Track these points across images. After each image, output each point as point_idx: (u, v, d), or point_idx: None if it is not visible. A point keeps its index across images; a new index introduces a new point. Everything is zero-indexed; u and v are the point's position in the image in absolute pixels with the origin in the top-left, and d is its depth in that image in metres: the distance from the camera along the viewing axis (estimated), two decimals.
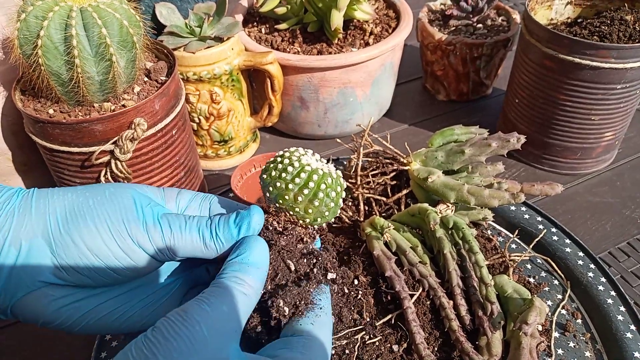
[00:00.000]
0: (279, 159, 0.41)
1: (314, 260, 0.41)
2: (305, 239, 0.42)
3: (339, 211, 0.44)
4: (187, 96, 0.76)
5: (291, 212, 0.41)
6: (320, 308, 0.39)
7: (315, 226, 0.43)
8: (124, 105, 0.59)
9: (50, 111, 0.59)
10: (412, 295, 0.56)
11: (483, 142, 0.64)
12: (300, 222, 0.42)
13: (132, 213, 0.37)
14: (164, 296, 0.42)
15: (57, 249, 0.35)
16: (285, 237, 0.40)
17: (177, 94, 0.63)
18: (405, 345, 0.54)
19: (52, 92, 0.57)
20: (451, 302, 0.55)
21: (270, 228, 0.41)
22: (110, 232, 0.36)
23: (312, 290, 0.39)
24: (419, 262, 0.58)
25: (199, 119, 0.78)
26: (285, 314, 0.37)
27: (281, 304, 0.37)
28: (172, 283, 0.44)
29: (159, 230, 0.37)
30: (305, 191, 0.40)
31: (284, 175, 0.40)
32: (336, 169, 0.43)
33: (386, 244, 0.61)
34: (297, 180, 0.40)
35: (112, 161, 0.59)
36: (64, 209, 0.36)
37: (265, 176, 0.42)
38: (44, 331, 0.63)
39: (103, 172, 0.60)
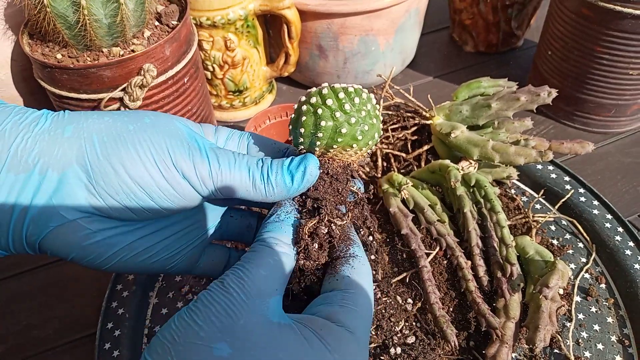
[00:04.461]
0: (321, 95, 0.36)
1: (364, 213, 0.40)
2: (354, 174, 0.40)
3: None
4: (200, 43, 0.72)
5: (341, 147, 0.37)
6: (356, 258, 0.37)
7: (366, 152, 0.40)
8: (133, 51, 0.57)
9: (59, 56, 0.57)
10: (428, 254, 0.54)
11: (511, 95, 0.60)
12: (350, 153, 0.38)
13: (177, 142, 0.34)
14: (196, 240, 0.41)
15: (94, 176, 0.32)
16: (334, 185, 0.38)
17: (188, 39, 0.61)
18: (419, 304, 0.52)
19: (60, 36, 0.55)
20: (469, 262, 0.53)
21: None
22: (154, 160, 0.33)
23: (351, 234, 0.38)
24: (437, 220, 0.56)
25: (213, 67, 0.75)
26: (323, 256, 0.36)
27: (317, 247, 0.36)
28: (205, 226, 0.42)
29: (207, 164, 0.34)
30: (363, 113, 0.36)
31: (346, 106, 0.36)
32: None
33: (403, 202, 0.59)
34: (356, 100, 0.36)
35: (122, 109, 0.57)
36: (102, 133, 0.33)
37: (306, 117, 0.36)
38: (56, 279, 0.63)
39: None
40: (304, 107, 0.36)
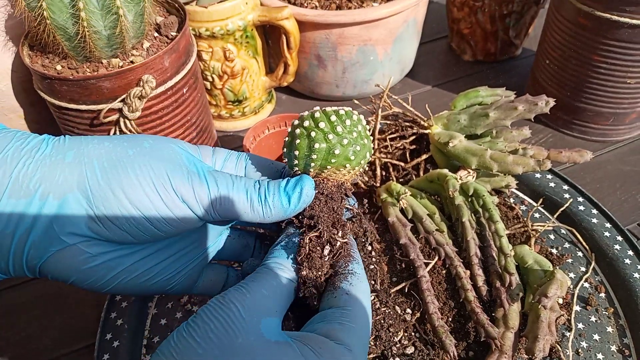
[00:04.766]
0: (313, 118, 0.38)
1: (362, 227, 0.41)
2: (348, 193, 0.41)
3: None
4: (199, 53, 0.73)
5: (334, 168, 0.38)
6: (354, 275, 0.37)
7: (358, 171, 0.41)
8: (132, 62, 0.57)
9: (58, 67, 0.57)
10: (427, 264, 0.54)
11: (509, 105, 0.60)
12: (344, 173, 0.39)
13: (176, 167, 0.35)
14: (195, 260, 0.42)
15: (95, 200, 0.33)
16: (329, 204, 0.39)
17: (187, 50, 0.61)
18: (418, 314, 0.52)
19: (60, 47, 0.55)
20: (468, 272, 0.53)
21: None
22: (154, 184, 0.34)
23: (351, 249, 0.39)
24: (436, 229, 0.56)
25: (212, 78, 0.76)
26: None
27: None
28: (203, 246, 0.43)
29: (206, 187, 0.35)
30: (354, 134, 0.38)
31: (338, 129, 0.37)
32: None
33: (402, 211, 0.59)
34: (347, 122, 0.38)
35: (121, 120, 0.57)
36: (102, 158, 0.33)
37: (300, 140, 0.38)
38: (55, 290, 0.63)
39: (112, 131, 0.58)
40: (298, 131, 0.38)
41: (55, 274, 0.34)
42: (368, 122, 0.69)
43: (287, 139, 0.40)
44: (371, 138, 0.41)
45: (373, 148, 0.67)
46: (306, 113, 0.39)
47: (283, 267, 0.36)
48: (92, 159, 0.33)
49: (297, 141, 0.38)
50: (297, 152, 0.38)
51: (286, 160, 0.40)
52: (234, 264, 0.54)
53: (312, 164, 0.38)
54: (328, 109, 0.39)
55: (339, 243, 0.38)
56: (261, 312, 0.32)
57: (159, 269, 0.39)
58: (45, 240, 0.33)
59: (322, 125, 0.37)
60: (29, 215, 0.32)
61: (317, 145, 0.37)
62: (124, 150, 0.34)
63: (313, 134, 0.37)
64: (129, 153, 0.34)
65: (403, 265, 0.56)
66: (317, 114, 0.38)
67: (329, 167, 0.38)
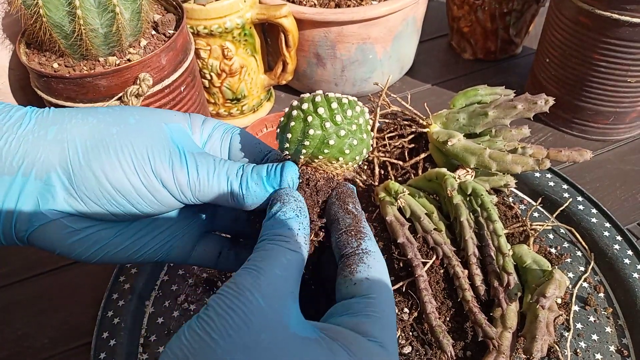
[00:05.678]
0: (313, 102, 0.35)
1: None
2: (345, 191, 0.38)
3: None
4: (197, 51, 0.73)
5: (326, 159, 0.36)
6: (369, 254, 0.34)
7: (352, 167, 0.39)
8: (129, 60, 0.57)
9: (55, 65, 0.57)
10: (424, 263, 0.54)
11: (508, 103, 0.60)
12: (336, 166, 0.37)
13: (159, 147, 0.34)
14: (182, 231, 0.41)
15: (76, 180, 0.33)
16: (314, 197, 0.37)
17: (185, 48, 0.61)
18: (415, 314, 0.52)
19: (56, 45, 0.55)
20: (466, 271, 0.53)
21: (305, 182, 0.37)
22: (134, 167, 0.33)
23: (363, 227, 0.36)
24: (434, 229, 0.56)
25: (211, 76, 0.75)
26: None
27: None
28: (191, 218, 0.42)
29: (185, 173, 0.34)
30: (354, 126, 0.35)
31: (337, 118, 0.34)
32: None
33: (400, 210, 0.59)
34: (348, 112, 0.35)
35: None
36: (84, 137, 0.33)
37: (295, 123, 0.35)
38: (52, 288, 0.63)
39: None
40: (294, 112, 0.35)
41: (41, 245, 0.35)
42: None
43: (282, 119, 0.37)
44: (372, 134, 0.38)
45: (372, 146, 0.66)
46: (307, 95, 0.36)
47: (289, 240, 0.32)
48: (74, 137, 0.33)
49: (292, 124, 0.35)
50: (289, 135, 0.35)
51: (278, 141, 0.37)
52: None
53: (304, 151, 0.35)
54: (331, 94, 0.36)
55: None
56: (280, 298, 0.29)
57: (145, 241, 0.38)
58: (30, 215, 0.33)
59: (320, 111, 0.34)
60: (13, 191, 0.32)
61: (311, 132, 0.34)
62: (107, 128, 0.34)
63: (310, 118, 0.34)
64: (112, 132, 0.34)
65: (401, 265, 0.56)
66: (318, 98, 0.35)
67: (320, 157, 0.35)
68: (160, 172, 0.34)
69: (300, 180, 0.36)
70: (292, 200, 0.35)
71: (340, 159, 0.36)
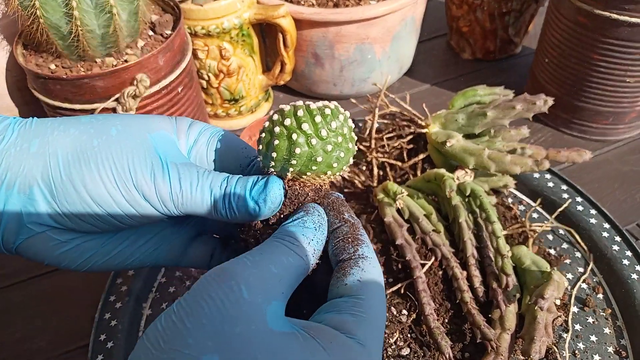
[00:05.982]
0: (296, 117, 0.33)
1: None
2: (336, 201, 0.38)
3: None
4: (195, 52, 0.72)
5: (314, 174, 0.35)
6: (365, 259, 0.34)
7: (339, 176, 0.37)
8: (126, 61, 0.56)
9: (52, 66, 0.57)
10: (423, 265, 0.54)
11: (507, 104, 0.60)
12: (323, 178, 0.36)
13: (141, 159, 0.34)
14: (171, 236, 0.41)
15: (57, 194, 0.33)
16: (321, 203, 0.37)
17: (182, 49, 0.60)
18: (414, 315, 0.52)
19: (53, 46, 0.55)
20: (465, 272, 0.53)
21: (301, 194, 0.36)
22: (115, 181, 0.33)
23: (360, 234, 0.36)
24: (433, 230, 0.56)
25: (208, 76, 0.75)
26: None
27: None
28: (180, 224, 0.42)
29: (168, 185, 0.34)
30: (339, 138, 0.34)
31: (323, 132, 0.33)
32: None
33: (399, 211, 0.59)
34: (333, 124, 0.33)
35: None
36: (66, 149, 0.33)
37: (279, 141, 0.33)
38: (49, 291, 0.63)
39: None
40: (277, 129, 0.33)
41: (30, 257, 0.35)
42: (365, 122, 0.68)
43: (263, 135, 0.35)
44: (355, 138, 0.37)
45: (370, 148, 0.66)
46: (287, 108, 0.34)
47: (298, 244, 0.32)
48: (56, 150, 0.33)
49: (276, 142, 0.33)
50: (274, 154, 0.34)
51: (261, 158, 0.35)
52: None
53: (291, 169, 0.34)
54: (312, 105, 0.34)
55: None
56: (267, 295, 0.28)
57: (131, 250, 0.38)
58: (13, 229, 0.33)
59: (305, 127, 0.33)
60: None
61: (298, 150, 0.33)
62: (89, 140, 0.34)
63: (294, 136, 0.33)
64: (94, 144, 0.33)
65: (399, 266, 0.56)
66: (300, 112, 0.33)
67: (308, 173, 0.34)
68: (141, 185, 0.33)
69: (287, 198, 0.35)
70: (316, 214, 0.35)
71: (329, 172, 0.35)
